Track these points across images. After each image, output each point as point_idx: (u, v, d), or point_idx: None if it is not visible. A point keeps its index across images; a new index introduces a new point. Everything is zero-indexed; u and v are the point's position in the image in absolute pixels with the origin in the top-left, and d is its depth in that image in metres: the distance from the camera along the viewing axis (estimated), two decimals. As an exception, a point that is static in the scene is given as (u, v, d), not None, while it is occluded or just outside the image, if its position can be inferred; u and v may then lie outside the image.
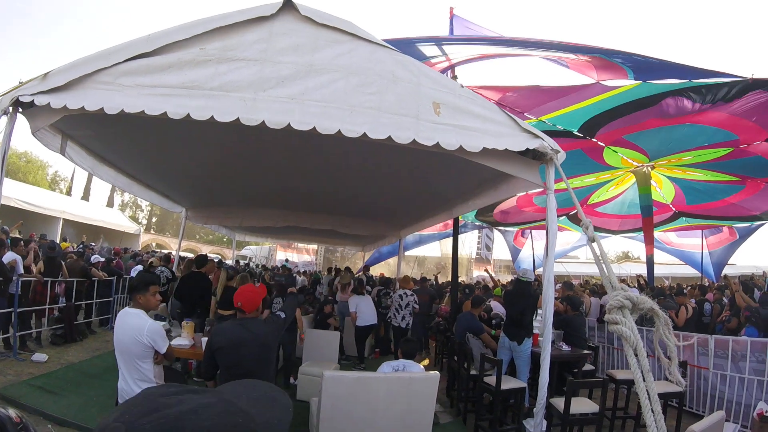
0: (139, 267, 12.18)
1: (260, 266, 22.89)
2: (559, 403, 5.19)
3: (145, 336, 3.65)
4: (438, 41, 7.73)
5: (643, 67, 6.91)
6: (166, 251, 30.63)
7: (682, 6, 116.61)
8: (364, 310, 9.16)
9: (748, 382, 6.61)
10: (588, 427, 5.42)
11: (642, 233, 13.25)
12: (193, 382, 6.58)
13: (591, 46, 6.96)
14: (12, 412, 1.27)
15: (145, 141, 5.70)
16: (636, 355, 2.07)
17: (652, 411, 1.88)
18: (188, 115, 3.45)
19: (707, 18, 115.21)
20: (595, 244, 2.73)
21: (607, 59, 6.94)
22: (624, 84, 7.37)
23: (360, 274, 15.57)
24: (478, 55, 8.35)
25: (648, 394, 1.93)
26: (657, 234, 16.00)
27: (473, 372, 6.39)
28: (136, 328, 3.65)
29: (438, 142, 3.64)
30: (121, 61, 3.51)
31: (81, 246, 17.57)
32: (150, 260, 12.33)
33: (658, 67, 6.93)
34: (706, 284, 15.47)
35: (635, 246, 28.18)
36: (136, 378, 3.68)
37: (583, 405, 5.41)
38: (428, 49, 7.74)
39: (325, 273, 17.62)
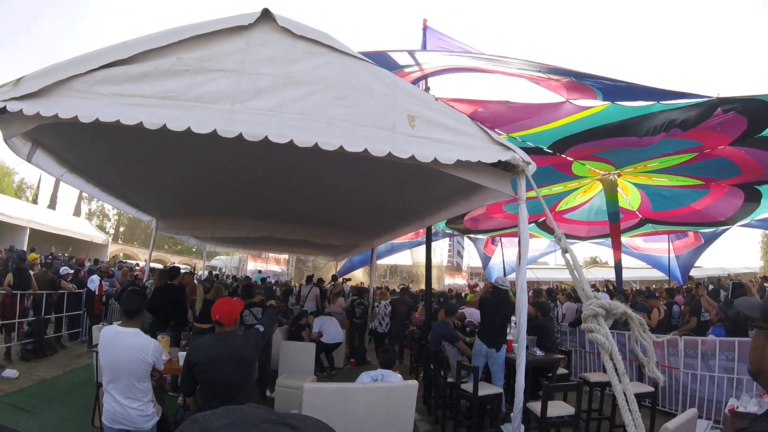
0: (96, 277, 11.80)
1: (231, 277, 22.68)
2: (535, 407, 5.28)
3: (151, 355, 3.63)
4: (411, 52, 7.82)
5: (611, 89, 7.08)
6: (132, 262, 30.23)
7: (654, 27, 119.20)
8: (330, 329, 9.24)
9: (719, 380, 6.85)
10: (565, 429, 5.51)
11: (609, 239, 13.51)
12: (168, 396, 6.51)
13: (562, 67, 7.11)
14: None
15: (118, 150, 5.63)
16: (612, 360, 2.17)
17: (630, 411, 1.97)
18: (164, 125, 3.41)
19: (676, 39, 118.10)
20: (568, 255, 2.81)
21: (577, 81, 7.09)
22: (593, 105, 7.53)
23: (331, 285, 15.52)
24: (452, 66, 8.45)
25: (625, 395, 2.02)
26: (624, 239, 16.30)
27: (450, 379, 6.46)
28: (140, 347, 3.62)
29: (413, 155, 3.68)
30: (96, 68, 3.44)
31: (50, 257, 17.19)
32: (135, 273, 12.12)
33: (626, 90, 7.10)
34: (675, 287, 15.84)
35: (603, 251, 28.76)
36: (133, 398, 3.63)
37: (559, 408, 5.50)
38: (401, 57, 7.81)
39: (303, 283, 17.44)
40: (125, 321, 3.79)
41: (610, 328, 2.31)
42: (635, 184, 12.26)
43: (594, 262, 45.16)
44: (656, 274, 21.62)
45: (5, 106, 3.40)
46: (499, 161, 4.00)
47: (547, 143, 8.76)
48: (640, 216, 14.52)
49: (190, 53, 3.56)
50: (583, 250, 55.26)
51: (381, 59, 7.64)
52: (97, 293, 11.18)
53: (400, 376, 4.66)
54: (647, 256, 19.76)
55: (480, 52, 8.23)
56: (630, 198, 13.35)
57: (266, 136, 3.45)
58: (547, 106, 7.81)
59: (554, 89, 7.76)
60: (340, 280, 16.68)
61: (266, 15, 3.70)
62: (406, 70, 8.15)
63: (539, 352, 7.14)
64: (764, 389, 1.36)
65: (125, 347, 3.61)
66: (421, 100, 3.92)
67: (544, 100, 7.87)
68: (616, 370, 2.15)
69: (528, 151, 8.62)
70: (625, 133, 7.82)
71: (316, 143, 3.52)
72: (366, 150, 3.61)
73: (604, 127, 7.82)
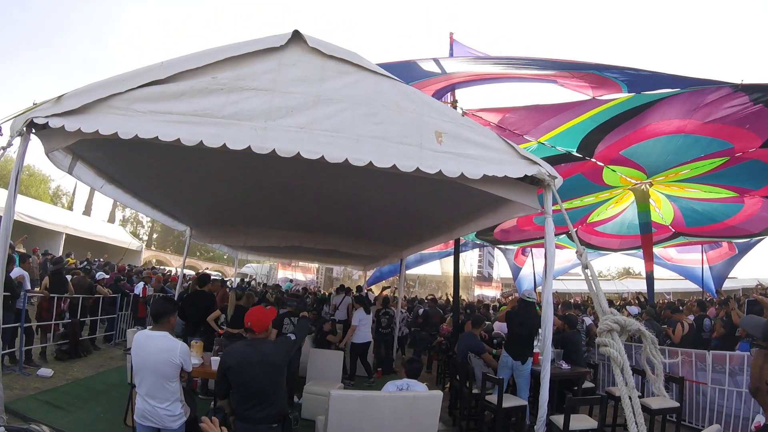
0: (141, 284, 12.35)
1: (262, 284, 22.88)
2: (558, 420, 5.30)
3: (178, 356, 3.78)
4: (437, 60, 7.95)
5: (635, 80, 7.09)
6: (166, 268, 30.81)
7: (676, 18, 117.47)
8: (361, 329, 9.33)
9: (746, 396, 6.71)
10: (588, 443, 5.51)
11: (642, 250, 13.39)
12: (199, 399, 6.68)
13: (583, 62, 7.14)
14: (46, 429, 1.40)
15: (154, 163, 5.80)
16: (623, 374, 2.24)
17: (636, 423, 2.03)
18: (201, 142, 3.55)
19: (700, 27, 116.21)
20: (588, 270, 2.88)
21: (599, 74, 7.11)
22: (618, 97, 7.54)
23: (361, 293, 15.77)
24: (476, 74, 8.51)
25: (633, 408, 2.09)
26: (657, 250, 16.13)
27: (475, 390, 6.49)
28: (167, 349, 3.78)
29: (440, 170, 3.77)
30: (135, 87, 3.61)
31: (85, 262, 17.66)
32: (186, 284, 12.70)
33: (650, 79, 7.10)
34: (708, 299, 15.56)
35: (636, 262, 28.26)
36: (162, 398, 3.79)
37: (582, 422, 5.51)
38: (427, 64, 7.93)
39: (333, 292, 17.56)
40: (155, 325, 4.01)
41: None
42: (668, 196, 12.13)
43: (627, 273, 44.40)
44: (690, 286, 21.26)
45: (47, 122, 3.57)
46: (526, 175, 4.05)
47: (576, 141, 8.76)
48: (673, 230, 14.35)
49: (224, 73, 3.72)
50: (616, 261, 54.30)
51: (408, 67, 7.79)
52: (141, 296, 11.83)
53: (425, 385, 4.73)
54: (680, 267, 19.50)
55: (502, 57, 8.26)
56: (663, 212, 13.21)
57: (298, 153, 3.59)
58: (573, 104, 7.85)
59: (580, 89, 7.80)
60: (367, 290, 16.83)
61: (297, 36, 3.85)
62: (433, 78, 8.25)
63: (565, 365, 7.12)
64: (761, 407, 1.41)
65: (154, 350, 3.78)
66: (448, 116, 4.02)
67: (571, 100, 7.96)
68: (626, 383, 2.22)
69: (558, 158, 8.69)
70: (649, 108, 7.76)
71: (347, 159, 3.64)
72: (394, 166, 3.71)
73: (628, 111, 7.81)
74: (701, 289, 18.19)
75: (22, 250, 15.13)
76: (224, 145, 3.55)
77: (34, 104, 3.67)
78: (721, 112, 7.44)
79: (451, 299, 16.85)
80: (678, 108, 7.61)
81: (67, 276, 9.81)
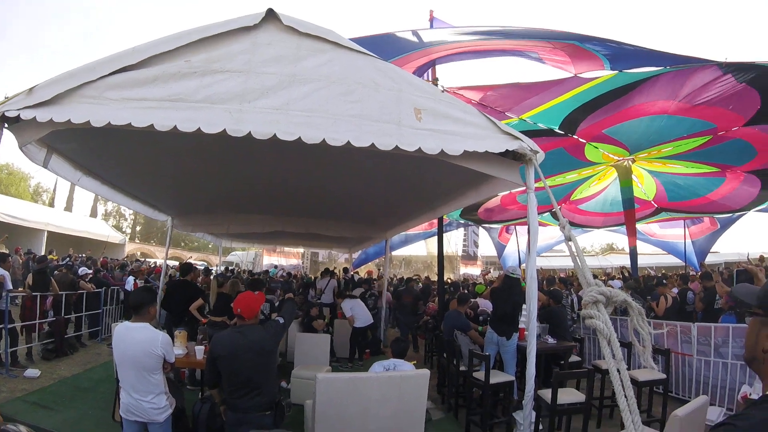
0: (131, 279, 12.29)
1: (247, 272, 22.91)
2: (546, 394, 5.33)
3: (159, 347, 3.72)
4: (415, 32, 7.85)
5: (618, 55, 7.01)
6: (151, 260, 30.66)
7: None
8: (359, 312, 9.40)
9: (731, 367, 6.82)
10: (576, 416, 5.56)
11: (625, 226, 13.46)
12: (187, 390, 6.64)
13: (564, 31, 7.06)
14: (23, 428, 1.36)
15: (130, 152, 5.71)
16: (610, 346, 2.22)
17: (626, 396, 2.02)
18: (175, 127, 3.48)
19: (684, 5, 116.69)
20: (571, 242, 2.87)
21: (580, 46, 7.03)
22: (601, 75, 7.51)
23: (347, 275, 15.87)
24: (456, 46, 8.40)
25: (621, 381, 2.07)
26: (640, 226, 16.26)
27: (462, 368, 6.51)
28: (148, 341, 3.70)
29: (420, 147, 3.72)
30: (107, 75, 3.52)
31: (67, 258, 17.49)
32: (169, 272, 12.65)
33: (633, 55, 7.03)
34: (691, 273, 15.75)
35: (619, 238, 28.57)
36: (145, 391, 3.74)
37: (570, 395, 5.55)
38: (405, 35, 7.83)
39: (318, 276, 17.61)
40: (135, 317, 3.91)
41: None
42: (650, 172, 12.16)
43: (610, 249, 44.94)
44: (673, 260, 21.53)
45: (19, 115, 3.49)
46: (507, 151, 4.02)
47: (558, 120, 8.72)
48: (656, 205, 14.44)
49: (197, 56, 3.63)
50: (600, 237, 54.87)
51: (386, 40, 7.68)
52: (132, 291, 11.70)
53: (412, 365, 4.72)
54: (663, 242, 19.72)
55: (482, 26, 8.16)
56: (645, 187, 13.26)
57: (275, 134, 3.52)
58: (555, 83, 7.80)
59: (560, 65, 7.74)
60: (353, 272, 16.86)
61: (271, 15, 3.76)
62: (412, 53, 8.14)
63: (551, 340, 7.18)
64: (758, 375, 1.39)
65: (134, 341, 3.72)
66: (427, 93, 3.97)
67: (553, 78, 7.90)
68: (613, 355, 2.20)
69: (539, 133, 8.64)
70: (632, 90, 7.71)
71: (324, 139, 3.58)
72: (373, 144, 3.65)
73: (612, 92, 7.75)
74: (684, 264, 18.41)
75: (4, 249, 14.93)
76: (198, 129, 3.48)
77: (5, 98, 3.58)
78: (705, 93, 7.41)
79: (432, 280, 16.95)
80: (662, 89, 7.55)
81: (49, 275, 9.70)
